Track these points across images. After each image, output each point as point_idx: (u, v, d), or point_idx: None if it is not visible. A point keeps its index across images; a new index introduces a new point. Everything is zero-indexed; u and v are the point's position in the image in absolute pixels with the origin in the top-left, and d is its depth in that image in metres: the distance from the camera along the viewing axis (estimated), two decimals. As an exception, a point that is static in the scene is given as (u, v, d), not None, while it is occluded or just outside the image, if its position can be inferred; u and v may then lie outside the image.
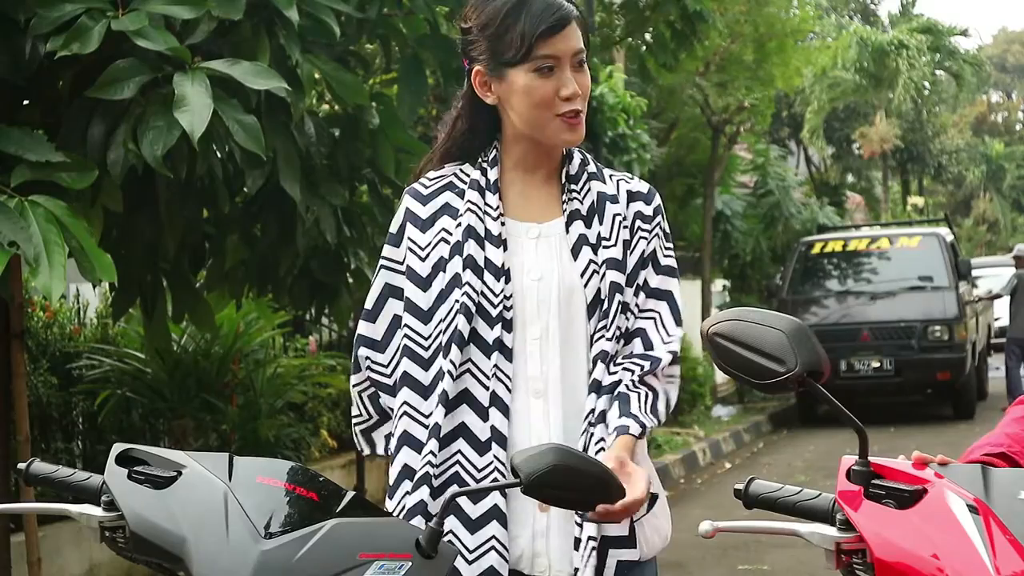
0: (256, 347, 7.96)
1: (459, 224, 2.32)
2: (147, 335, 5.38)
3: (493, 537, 2.21)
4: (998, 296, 14.87)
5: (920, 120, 32.30)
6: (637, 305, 2.34)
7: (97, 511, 1.91)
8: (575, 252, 2.32)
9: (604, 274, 2.29)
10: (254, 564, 1.71)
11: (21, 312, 4.63)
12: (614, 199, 2.37)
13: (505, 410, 2.25)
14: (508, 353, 2.27)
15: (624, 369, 2.28)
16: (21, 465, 2.04)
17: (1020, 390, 14.54)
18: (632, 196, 2.39)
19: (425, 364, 2.30)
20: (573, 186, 2.37)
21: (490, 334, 2.27)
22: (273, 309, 7.37)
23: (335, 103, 4.96)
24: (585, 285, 2.30)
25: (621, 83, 11.87)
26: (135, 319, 6.86)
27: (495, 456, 2.22)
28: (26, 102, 4.25)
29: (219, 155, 4.11)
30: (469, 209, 2.33)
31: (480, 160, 2.39)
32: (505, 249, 2.31)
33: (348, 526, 1.77)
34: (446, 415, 2.25)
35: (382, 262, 2.39)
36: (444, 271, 2.30)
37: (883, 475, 1.70)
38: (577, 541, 2.20)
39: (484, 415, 2.25)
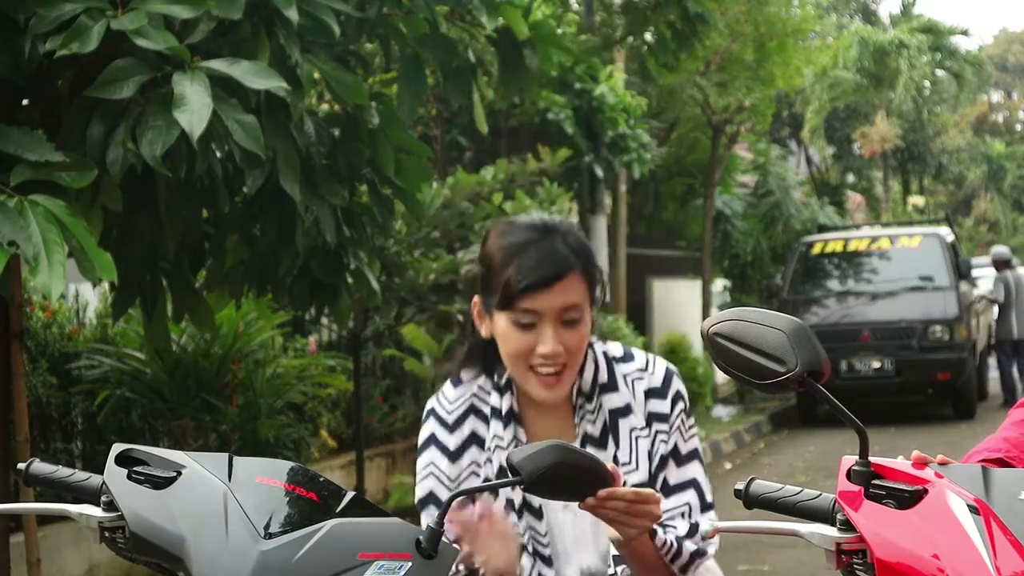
0: (256, 347, 7.96)
1: (488, 460, 2.30)
2: (147, 335, 5.37)
3: None
4: (996, 302, 14.90)
5: (921, 120, 32.30)
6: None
7: (97, 511, 1.90)
8: None
9: None
10: (254, 564, 1.71)
11: (21, 312, 4.62)
12: (627, 410, 2.29)
13: None
14: None
15: None
16: (21, 465, 2.04)
17: (1016, 389, 14.62)
18: (647, 395, 2.31)
19: None
20: (587, 405, 2.30)
21: (530, 571, 2.27)
22: (273, 309, 7.37)
23: (335, 103, 4.96)
24: None
25: (621, 83, 11.88)
26: (135, 319, 6.86)
27: None
28: (26, 102, 4.25)
29: (219, 155, 4.11)
30: (498, 445, 2.29)
31: (496, 378, 2.33)
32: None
33: (348, 526, 1.77)
34: None
35: (418, 470, 2.36)
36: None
37: (883, 475, 1.69)
38: None
39: None
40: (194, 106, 3.55)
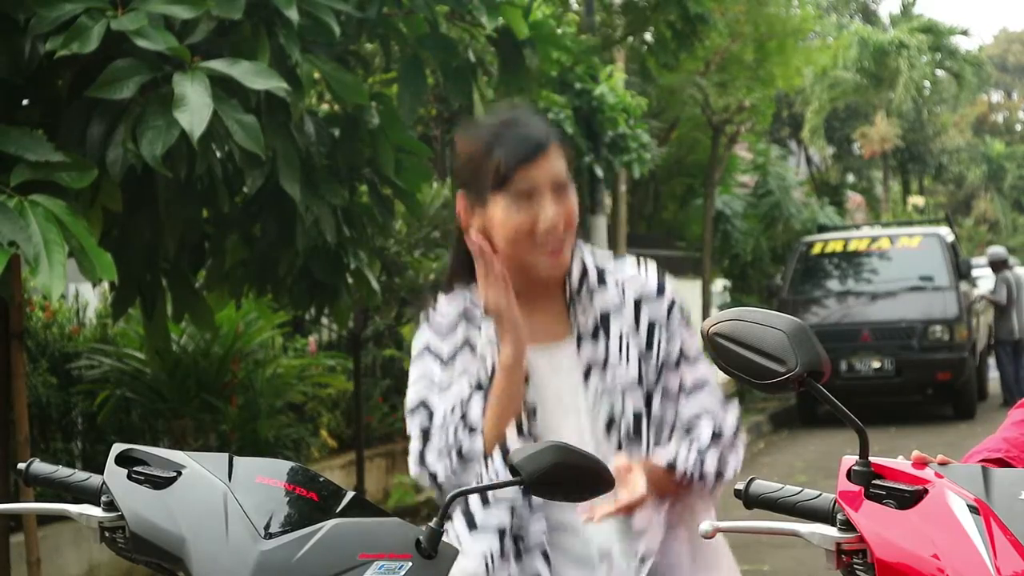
0: (256, 347, 7.96)
1: (480, 359, 2.30)
2: (147, 335, 5.38)
3: None
4: (999, 303, 14.89)
5: (920, 120, 32.31)
6: (678, 413, 2.29)
7: (97, 511, 1.90)
8: (586, 376, 2.28)
9: (624, 400, 2.25)
10: (254, 564, 1.71)
11: (21, 312, 4.62)
12: (618, 310, 2.31)
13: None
14: None
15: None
16: (21, 465, 2.04)
17: (1017, 389, 14.63)
18: (640, 302, 2.32)
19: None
20: (576, 301, 2.32)
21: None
22: (273, 309, 7.37)
23: (335, 103, 4.96)
24: (596, 410, 2.26)
25: (621, 83, 11.87)
26: (135, 319, 6.86)
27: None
28: (26, 102, 4.25)
29: (219, 155, 4.11)
30: (489, 344, 2.29)
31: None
32: (526, 382, 2.28)
33: (348, 526, 1.77)
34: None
35: (411, 379, 2.37)
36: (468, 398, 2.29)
37: (884, 475, 1.69)
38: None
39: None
40: (194, 106, 3.55)
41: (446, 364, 2.32)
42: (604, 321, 2.30)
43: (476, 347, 2.31)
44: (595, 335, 2.29)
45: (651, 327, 2.30)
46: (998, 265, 14.88)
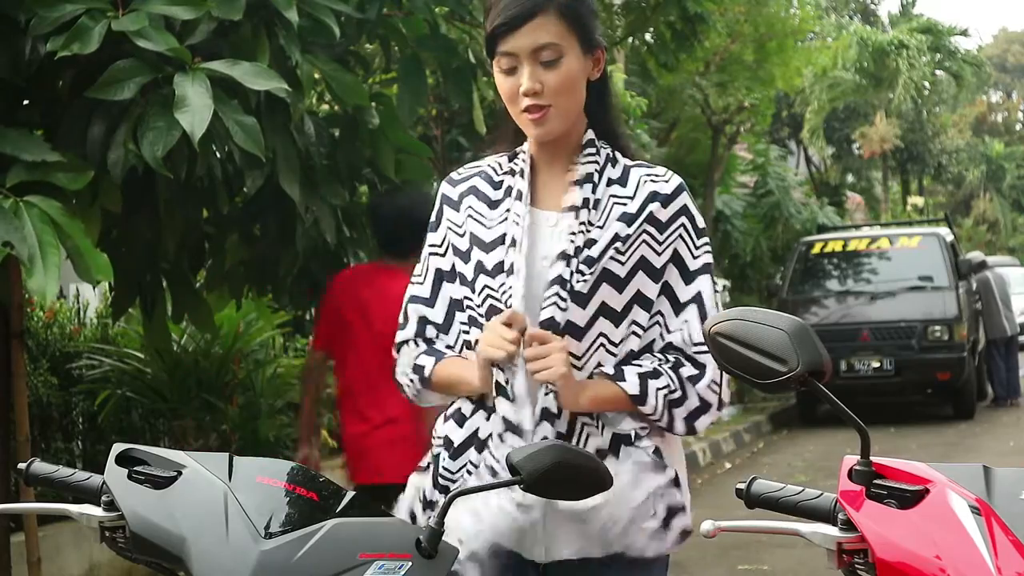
0: (256, 347, 7.95)
1: (494, 207, 2.37)
2: (147, 335, 5.38)
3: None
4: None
5: (920, 120, 32.29)
6: (665, 328, 2.33)
7: (97, 511, 1.91)
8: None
9: (583, 273, 2.29)
10: (254, 564, 1.71)
11: (21, 312, 4.62)
12: (623, 197, 2.34)
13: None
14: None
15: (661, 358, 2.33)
16: (21, 465, 2.05)
17: (1004, 388, 14.70)
18: (652, 197, 2.33)
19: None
20: (587, 185, 2.34)
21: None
22: (273, 309, 7.37)
23: (335, 103, 4.96)
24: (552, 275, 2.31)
25: (621, 83, 11.86)
26: (135, 319, 6.86)
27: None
28: (26, 102, 4.25)
29: (219, 155, 4.11)
30: (510, 188, 2.37)
31: (516, 151, 2.43)
32: (513, 245, 2.32)
33: (348, 526, 1.77)
34: None
35: (427, 249, 2.45)
36: (472, 252, 2.36)
37: (885, 475, 1.70)
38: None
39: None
40: (195, 107, 3.55)
41: (456, 208, 2.40)
42: (605, 200, 2.32)
43: (485, 195, 2.38)
44: (582, 206, 2.32)
45: (645, 222, 2.32)
46: (976, 267, 14.91)
